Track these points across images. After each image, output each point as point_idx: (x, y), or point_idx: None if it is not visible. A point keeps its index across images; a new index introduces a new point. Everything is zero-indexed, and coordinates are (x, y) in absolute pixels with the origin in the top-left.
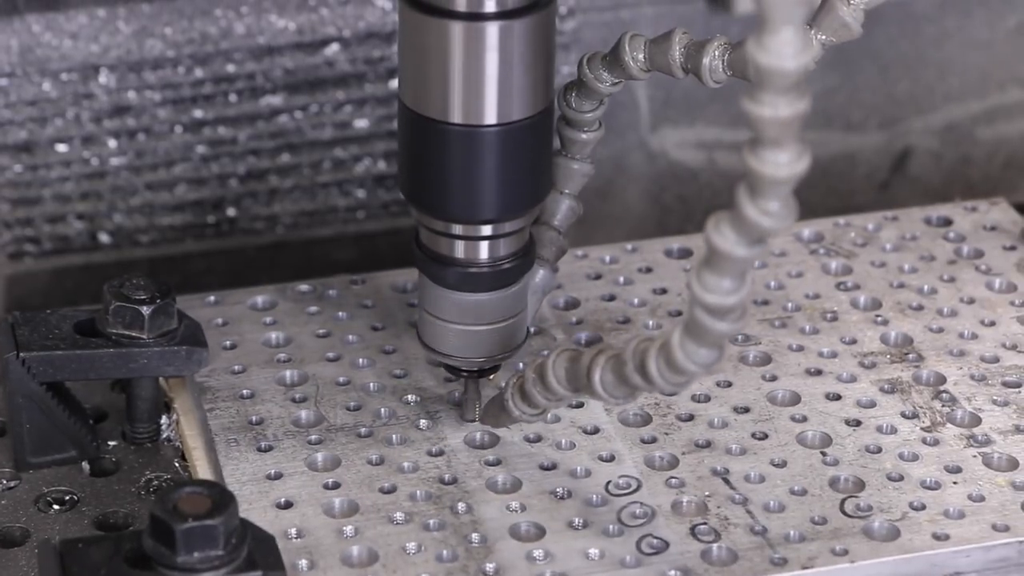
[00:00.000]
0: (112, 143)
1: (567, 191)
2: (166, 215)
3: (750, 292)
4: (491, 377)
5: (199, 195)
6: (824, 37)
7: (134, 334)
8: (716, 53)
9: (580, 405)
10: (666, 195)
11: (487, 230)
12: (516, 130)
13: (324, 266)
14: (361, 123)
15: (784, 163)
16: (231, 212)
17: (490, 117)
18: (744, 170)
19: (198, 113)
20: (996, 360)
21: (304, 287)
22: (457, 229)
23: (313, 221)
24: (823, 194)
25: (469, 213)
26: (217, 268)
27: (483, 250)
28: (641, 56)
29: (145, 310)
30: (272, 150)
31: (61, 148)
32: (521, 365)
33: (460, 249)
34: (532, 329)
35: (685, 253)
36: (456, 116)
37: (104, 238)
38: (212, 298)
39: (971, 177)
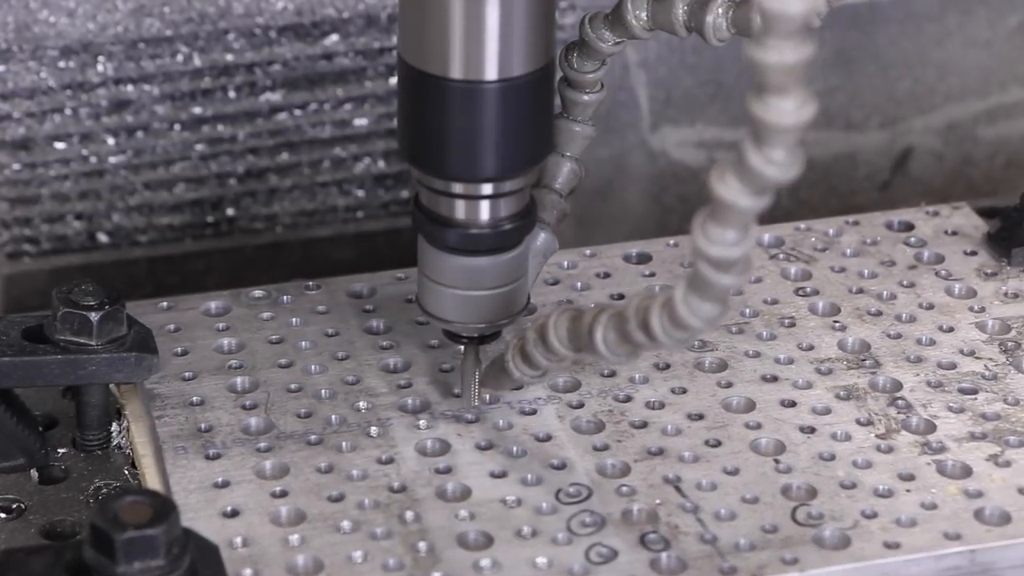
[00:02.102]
0: (111, 141)
1: (568, 153)
2: (165, 214)
3: (754, 245)
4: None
5: (198, 194)
6: None
7: (82, 340)
8: (720, 11)
9: (533, 412)
10: (666, 195)
11: (487, 189)
12: (517, 86)
13: (323, 266)
14: (361, 122)
15: (790, 110)
16: (230, 211)
17: (491, 73)
18: (749, 118)
19: (197, 110)
20: (953, 366)
21: (258, 293)
22: (457, 188)
23: (312, 221)
24: (824, 194)
25: (469, 171)
26: (216, 268)
27: (483, 210)
28: (644, 14)
29: (93, 316)
30: (271, 149)
31: (59, 146)
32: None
33: (460, 209)
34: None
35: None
36: (456, 72)
37: (103, 238)
38: (164, 304)
39: (972, 177)
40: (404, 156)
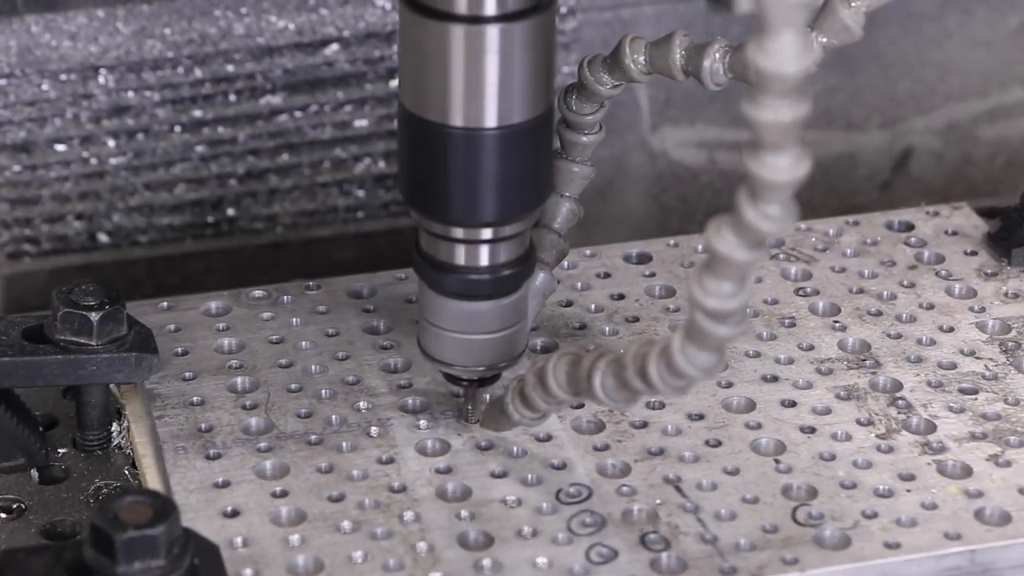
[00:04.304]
0: (111, 143)
1: (567, 193)
2: (165, 215)
3: (750, 296)
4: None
5: (198, 195)
6: (825, 40)
7: (83, 340)
8: (717, 56)
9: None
10: (667, 195)
11: (487, 234)
12: (516, 133)
13: (323, 266)
14: (361, 123)
15: (784, 167)
16: (231, 212)
17: (490, 120)
18: (744, 173)
19: (197, 113)
20: (954, 367)
21: (258, 293)
22: (457, 233)
23: (313, 221)
24: (824, 194)
25: (469, 216)
26: (216, 268)
27: (483, 255)
28: (642, 59)
29: (94, 316)
30: (272, 150)
31: (60, 148)
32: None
33: (460, 255)
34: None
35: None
36: (456, 119)
37: (103, 238)
38: (164, 304)
39: (972, 177)
40: (405, 200)
